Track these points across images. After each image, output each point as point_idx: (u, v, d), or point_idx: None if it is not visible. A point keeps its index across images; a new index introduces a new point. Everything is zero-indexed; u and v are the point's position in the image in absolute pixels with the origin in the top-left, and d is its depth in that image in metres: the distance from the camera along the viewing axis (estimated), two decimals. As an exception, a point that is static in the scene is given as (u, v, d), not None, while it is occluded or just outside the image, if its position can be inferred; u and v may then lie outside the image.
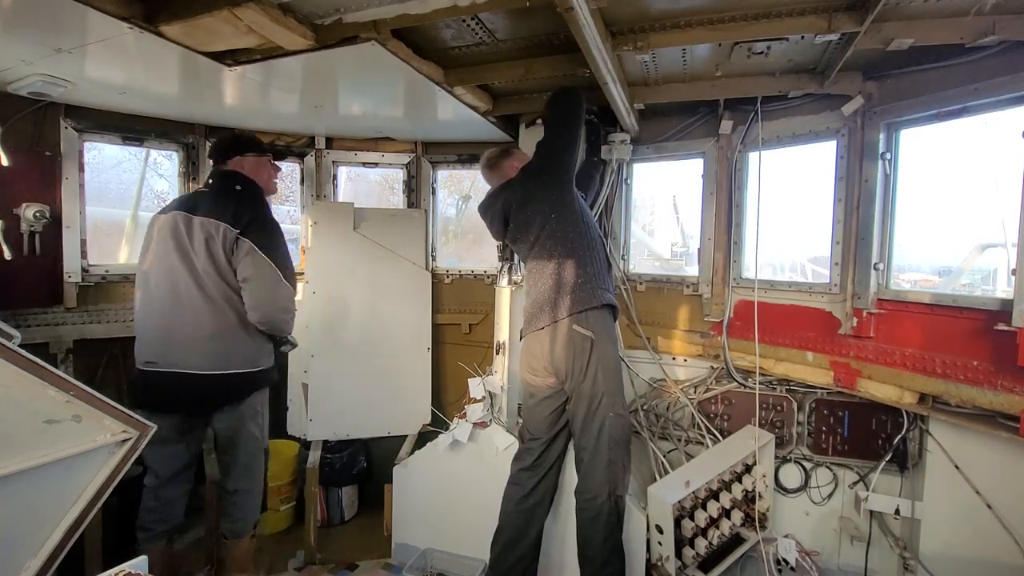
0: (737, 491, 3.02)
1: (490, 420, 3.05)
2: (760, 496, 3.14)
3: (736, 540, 3.05)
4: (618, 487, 2.53)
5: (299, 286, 3.78)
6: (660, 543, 2.69)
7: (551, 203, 2.65)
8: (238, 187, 2.67)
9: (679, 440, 3.42)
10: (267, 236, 2.60)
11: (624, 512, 2.59)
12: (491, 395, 3.09)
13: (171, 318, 2.54)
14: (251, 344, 2.67)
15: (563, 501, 2.84)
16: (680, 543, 2.75)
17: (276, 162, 2.98)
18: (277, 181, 2.97)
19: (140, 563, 1.63)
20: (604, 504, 2.50)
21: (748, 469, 3.10)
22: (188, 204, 2.62)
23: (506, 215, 2.81)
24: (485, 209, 2.94)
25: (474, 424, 3.05)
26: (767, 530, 3.12)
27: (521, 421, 2.92)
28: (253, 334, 2.66)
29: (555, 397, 2.66)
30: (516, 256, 3.12)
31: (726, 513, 2.98)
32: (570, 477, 2.77)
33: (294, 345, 2.98)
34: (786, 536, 3.01)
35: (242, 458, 2.75)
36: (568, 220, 2.63)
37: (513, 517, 2.72)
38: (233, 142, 2.84)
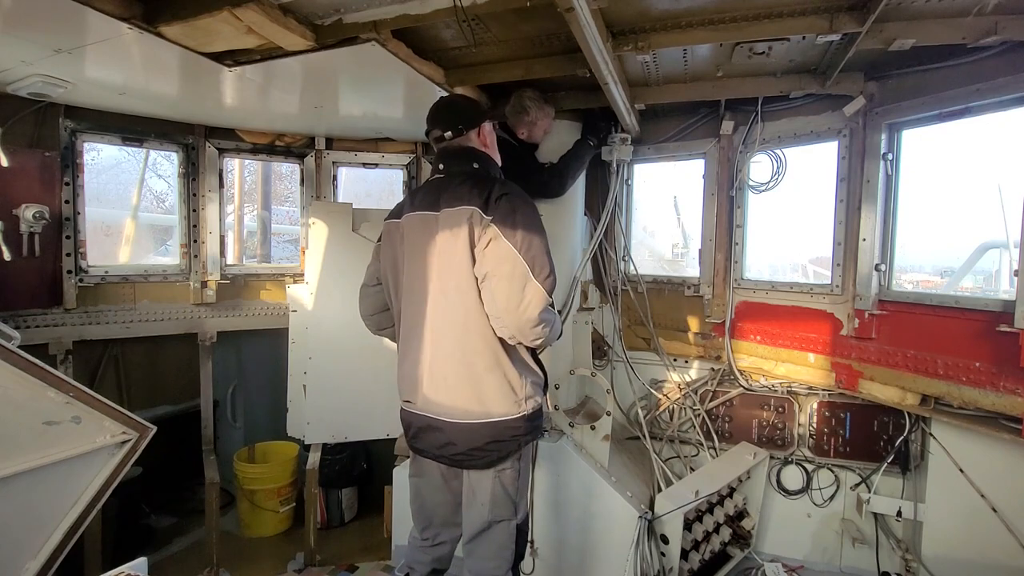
0: (729, 507, 3.03)
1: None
2: (747, 514, 3.15)
3: (723, 557, 3.05)
4: None
5: (298, 287, 3.78)
6: (664, 554, 2.67)
7: None
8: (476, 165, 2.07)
9: (679, 443, 3.41)
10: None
11: None
12: None
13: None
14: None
15: (561, 506, 2.83)
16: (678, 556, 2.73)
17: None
18: None
19: (140, 564, 1.63)
20: None
21: (734, 489, 3.10)
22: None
23: None
24: None
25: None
26: (751, 547, 3.13)
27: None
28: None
29: None
30: None
31: (716, 529, 2.98)
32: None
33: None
34: (772, 560, 3.04)
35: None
36: None
37: None
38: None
